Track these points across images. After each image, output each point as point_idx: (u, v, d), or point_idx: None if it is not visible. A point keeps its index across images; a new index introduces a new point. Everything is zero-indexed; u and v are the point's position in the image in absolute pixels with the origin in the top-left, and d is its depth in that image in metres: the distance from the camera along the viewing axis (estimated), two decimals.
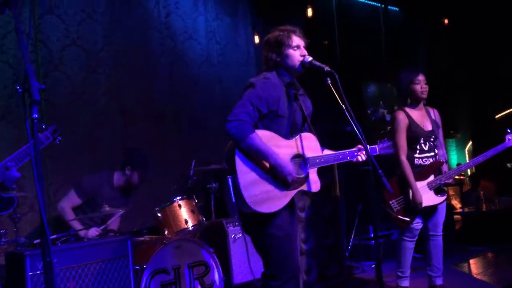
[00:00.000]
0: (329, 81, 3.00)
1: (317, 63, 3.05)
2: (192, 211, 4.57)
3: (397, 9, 9.20)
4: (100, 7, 5.51)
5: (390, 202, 4.18)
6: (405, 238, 4.24)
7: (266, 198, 2.85)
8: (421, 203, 4.08)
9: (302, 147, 3.06)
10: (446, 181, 4.17)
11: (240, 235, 4.73)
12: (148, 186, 5.08)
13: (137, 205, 5.02)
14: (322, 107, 5.80)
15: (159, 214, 4.52)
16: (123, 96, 5.62)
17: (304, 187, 3.02)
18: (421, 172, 4.17)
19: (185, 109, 6.15)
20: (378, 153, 3.30)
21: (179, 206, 4.53)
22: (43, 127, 3.74)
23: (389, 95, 8.19)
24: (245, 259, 4.71)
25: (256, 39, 6.97)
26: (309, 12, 7.10)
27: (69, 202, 4.44)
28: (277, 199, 2.88)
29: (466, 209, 7.73)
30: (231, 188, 2.82)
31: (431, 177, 4.17)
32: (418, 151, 4.22)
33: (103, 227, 4.40)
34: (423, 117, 4.29)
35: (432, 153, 4.25)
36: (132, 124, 5.63)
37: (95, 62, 5.42)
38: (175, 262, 4.12)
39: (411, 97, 4.29)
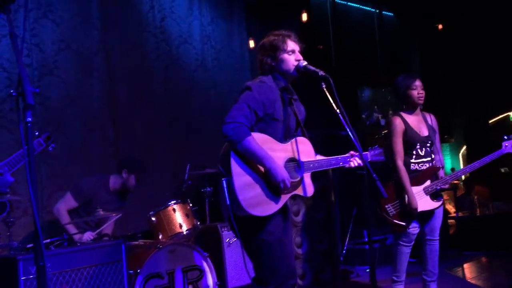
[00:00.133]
0: (324, 86, 3.01)
1: (312, 68, 3.06)
2: (187, 215, 4.56)
3: (392, 14, 9.24)
4: (95, 12, 5.50)
5: (386, 207, 4.19)
6: (402, 243, 4.24)
7: (260, 201, 2.84)
8: (416, 208, 4.08)
9: (298, 151, 3.07)
10: (442, 186, 4.18)
11: (235, 239, 4.73)
12: (142, 190, 5.07)
13: (132, 209, 5.01)
14: (317, 112, 5.83)
15: (153, 218, 4.51)
16: (117, 100, 5.61)
17: (298, 191, 3.02)
18: (417, 177, 4.18)
19: (180, 113, 6.15)
20: (369, 159, 3.30)
21: (174, 210, 4.52)
22: (36, 133, 3.73)
23: (384, 99, 8.21)
24: (239, 263, 4.73)
25: (251, 44, 6.99)
26: (304, 16, 7.12)
27: (65, 205, 4.43)
28: (270, 203, 2.88)
29: (460, 214, 7.75)
30: (226, 190, 2.81)
31: (428, 182, 4.17)
32: (414, 156, 4.23)
33: (97, 231, 4.38)
34: (419, 122, 4.30)
35: (429, 158, 4.25)
36: (126, 128, 5.62)
37: (89, 66, 5.41)
38: (169, 267, 4.11)
39: (407, 102, 4.29)
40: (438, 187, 4.15)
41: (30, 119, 2.06)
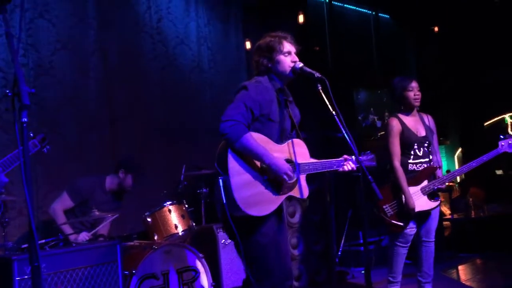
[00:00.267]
0: (320, 87, 3.02)
1: (308, 69, 3.07)
2: (182, 216, 4.56)
3: (388, 16, 9.27)
4: (91, 12, 5.49)
5: (384, 207, 4.21)
6: (398, 244, 4.26)
7: (257, 201, 2.83)
8: (413, 208, 4.10)
9: (294, 153, 3.07)
10: (440, 186, 4.20)
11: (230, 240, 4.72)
12: (138, 191, 5.06)
13: (127, 210, 5.01)
14: (313, 113, 5.84)
15: (149, 219, 4.50)
16: (113, 100, 5.60)
17: (293, 193, 3.02)
18: (414, 178, 4.20)
19: (176, 114, 6.14)
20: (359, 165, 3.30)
21: (169, 211, 4.52)
22: (31, 135, 3.72)
23: (380, 101, 8.23)
24: (234, 264, 4.72)
25: (248, 45, 7.00)
26: (301, 18, 7.13)
27: (61, 204, 4.43)
28: (267, 203, 2.87)
29: (455, 216, 7.78)
30: (222, 189, 2.79)
31: (425, 182, 4.19)
32: (412, 157, 4.25)
33: (93, 231, 4.38)
34: (416, 123, 4.32)
35: (427, 159, 4.28)
36: (122, 129, 5.62)
37: (86, 67, 5.41)
38: (164, 267, 4.11)
39: (404, 104, 4.33)
40: (435, 187, 4.17)
41: (25, 119, 2.06)
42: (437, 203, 4.22)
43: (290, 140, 3.09)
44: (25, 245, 3.70)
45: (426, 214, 4.24)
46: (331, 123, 2.98)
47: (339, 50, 8.02)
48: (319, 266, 5.29)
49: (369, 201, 4.24)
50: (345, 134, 2.91)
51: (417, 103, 4.29)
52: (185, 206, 4.64)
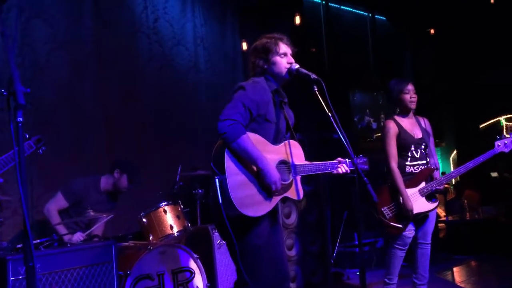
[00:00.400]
0: (316, 89, 3.02)
1: (304, 71, 3.07)
2: (178, 217, 4.55)
3: (384, 18, 9.29)
4: (88, 12, 5.48)
5: (382, 209, 4.22)
6: (397, 246, 4.27)
7: (253, 201, 2.83)
8: (411, 210, 4.12)
9: (291, 154, 3.08)
10: (437, 187, 4.22)
11: None
12: (133, 191, 5.05)
13: (122, 210, 5.00)
14: (309, 115, 5.85)
15: (144, 220, 4.50)
16: (109, 101, 5.60)
17: (288, 194, 3.03)
18: (412, 179, 4.22)
19: (172, 115, 6.14)
20: (353, 168, 3.30)
21: (165, 211, 4.51)
22: (26, 136, 3.71)
23: (376, 103, 8.25)
24: (230, 265, 4.72)
25: (244, 46, 7.00)
26: (297, 19, 7.14)
27: (55, 205, 4.42)
28: (262, 204, 2.88)
29: (450, 218, 7.80)
30: (218, 189, 2.78)
31: (422, 184, 4.22)
32: (409, 159, 4.27)
33: (87, 232, 4.37)
34: (413, 125, 4.35)
35: (424, 161, 4.30)
36: (118, 129, 5.61)
37: (82, 67, 5.40)
38: (159, 268, 4.10)
39: (400, 106, 4.36)
40: (433, 188, 4.20)
41: (21, 119, 2.06)
42: (435, 204, 4.24)
43: (286, 141, 3.10)
44: (20, 245, 3.68)
45: (424, 216, 4.26)
46: (327, 124, 2.99)
47: (335, 51, 8.03)
48: (314, 267, 5.30)
49: (364, 202, 4.25)
50: (341, 136, 2.92)
51: (413, 106, 4.32)
52: (180, 207, 4.63)
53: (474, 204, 8.12)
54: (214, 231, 4.73)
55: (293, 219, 5.15)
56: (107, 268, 3.77)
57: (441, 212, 7.95)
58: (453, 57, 9.59)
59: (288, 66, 3.09)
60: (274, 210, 3.03)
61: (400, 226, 4.18)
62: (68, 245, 3.87)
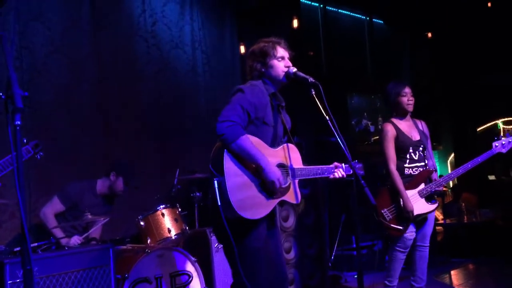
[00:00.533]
0: (313, 92, 3.03)
1: (302, 74, 3.08)
2: (176, 220, 4.55)
3: (382, 22, 9.31)
4: (86, 15, 5.48)
5: (383, 212, 4.24)
6: (398, 249, 4.29)
7: (252, 204, 2.83)
8: (412, 211, 4.14)
9: (289, 158, 3.09)
10: (437, 189, 4.25)
11: None
12: (131, 194, 5.05)
13: (120, 213, 5.00)
14: (307, 118, 5.86)
15: (142, 223, 4.49)
16: (107, 104, 5.59)
17: (286, 197, 3.03)
18: (411, 181, 4.25)
19: (170, 118, 6.14)
20: (349, 172, 3.31)
21: (162, 214, 4.51)
22: (24, 141, 3.70)
23: (373, 106, 8.26)
24: (227, 268, 4.71)
25: (242, 49, 7.01)
26: (295, 23, 7.15)
27: (51, 208, 4.41)
28: (261, 207, 2.88)
29: (447, 221, 7.81)
30: (217, 191, 2.78)
31: (422, 185, 4.24)
32: (408, 161, 4.30)
33: (85, 235, 4.36)
34: (410, 128, 4.39)
35: (422, 163, 4.33)
36: (116, 132, 5.61)
37: (80, 70, 5.39)
38: (157, 271, 4.09)
39: (398, 109, 4.39)
40: (432, 190, 4.23)
41: (19, 122, 2.06)
42: (435, 205, 4.27)
43: (285, 145, 3.11)
44: (18, 248, 3.68)
45: (423, 219, 4.28)
46: (325, 128, 3.00)
47: (333, 55, 8.04)
48: (312, 270, 5.29)
49: (362, 206, 4.26)
50: (338, 139, 2.93)
51: (411, 108, 4.36)
52: (178, 210, 4.63)
53: (471, 207, 8.13)
54: (212, 234, 4.73)
55: (291, 222, 5.16)
56: (105, 271, 3.76)
57: (439, 215, 7.97)
58: (451, 60, 9.62)
59: (286, 69, 3.10)
60: (272, 213, 3.03)
61: (401, 228, 4.20)
62: (66, 248, 3.87)
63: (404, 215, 4.17)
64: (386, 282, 4.39)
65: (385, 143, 4.30)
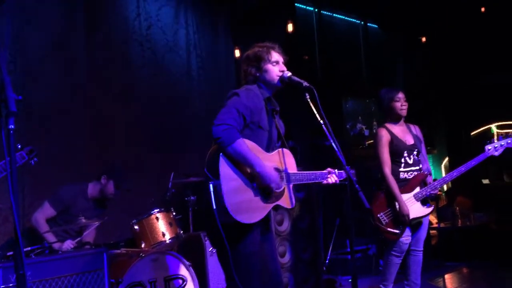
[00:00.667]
0: (308, 97, 3.04)
1: (296, 79, 3.09)
2: (170, 224, 4.54)
3: (376, 26, 9.34)
4: (80, 18, 5.48)
5: (379, 215, 4.26)
6: (393, 253, 4.31)
7: (247, 207, 2.82)
8: (408, 215, 4.17)
9: (284, 162, 3.09)
10: (432, 192, 4.28)
11: None
12: (125, 198, 5.04)
13: (114, 217, 4.97)
14: (302, 122, 5.86)
15: (136, 227, 4.48)
16: (102, 107, 5.58)
17: (280, 202, 3.03)
18: (406, 185, 4.28)
19: (165, 122, 6.13)
20: (343, 177, 3.32)
21: (157, 218, 4.50)
22: (19, 146, 3.69)
23: (368, 110, 8.29)
24: (222, 272, 4.70)
25: (237, 53, 7.01)
26: (290, 27, 7.17)
27: (42, 214, 4.39)
28: (256, 211, 2.87)
29: (442, 225, 7.82)
30: (212, 194, 2.77)
31: (417, 189, 4.28)
32: (403, 165, 4.33)
33: (78, 239, 4.35)
34: (404, 132, 4.43)
35: (417, 167, 4.37)
36: (110, 136, 5.59)
37: (74, 74, 5.38)
38: (151, 275, 4.08)
39: (391, 114, 4.44)
40: (427, 194, 4.26)
41: (12, 126, 2.05)
42: (430, 209, 4.31)
43: (280, 149, 3.12)
44: (11, 253, 3.66)
45: (418, 223, 4.30)
46: (320, 132, 3.00)
47: (327, 59, 8.06)
48: (307, 274, 5.29)
49: (356, 210, 4.27)
50: (333, 143, 2.93)
51: (404, 113, 4.41)
52: (172, 214, 4.62)
53: (465, 211, 8.15)
54: (206, 238, 4.73)
55: (285, 226, 5.15)
56: (99, 275, 3.75)
57: (433, 219, 7.98)
58: (445, 64, 9.66)
59: (280, 74, 3.11)
60: (267, 218, 3.03)
61: (397, 231, 4.21)
62: (60, 252, 3.85)
63: (400, 219, 4.19)
64: (381, 286, 4.41)
65: (379, 148, 4.34)
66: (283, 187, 3.05)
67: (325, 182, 3.25)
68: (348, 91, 8.15)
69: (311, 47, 8.02)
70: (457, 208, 7.98)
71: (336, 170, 3.27)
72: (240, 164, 2.84)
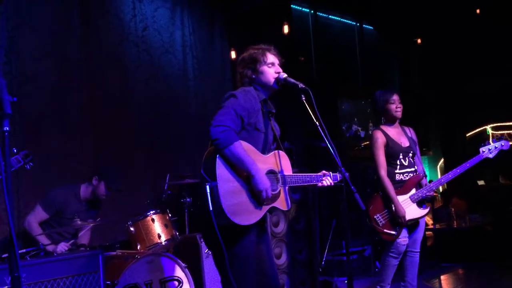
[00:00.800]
0: (304, 98, 3.04)
1: (292, 80, 3.09)
2: (166, 226, 4.54)
3: (372, 28, 9.37)
4: (76, 19, 5.46)
5: (375, 217, 4.28)
6: (391, 255, 4.32)
7: (243, 210, 2.82)
8: (404, 216, 4.18)
9: (280, 164, 3.09)
10: (428, 194, 4.30)
11: None
12: (121, 199, 5.03)
13: (110, 219, 4.97)
14: (298, 123, 5.86)
15: (132, 228, 4.47)
16: (97, 109, 5.57)
17: (277, 204, 3.03)
18: (402, 187, 4.30)
19: (160, 123, 6.12)
20: (338, 180, 3.32)
21: (153, 220, 4.50)
22: (14, 151, 3.68)
23: (363, 112, 8.30)
24: (218, 274, 4.70)
25: (233, 55, 7.02)
26: (286, 29, 7.18)
27: (34, 217, 4.38)
28: (252, 213, 2.87)
29: (437, 226, 7.84)
30: (209, 196, 2.76)
31: (413, 191, 4.30)
32: (398, 167, 4.35)
33: (72, 241, 4.33)
34: (399, 134, 4.45)
35: (413, 169, 4.39)
36: (106, 138, 5.58)
37: (69, 75, 5.36)
38: (147, 277, 4.07)
39: (386, 116, 4.46)
40: (423, 195, 4.28)
41: (7, 128, 2.04)
42: (426, 210, 4.33)
43: (276, 152, 3.12)
44: (5, 255, 3.65)
45: (414, 224, 4.31)
46: (315, 133, 3.01)
47: (323, 60, 8.08)
48: (303, 275, 5.29)
49: (352, 211, 4.29)
50: (329, 145, 2.93)
51: (399, 115, 4.43)
52: (168, 215, 4.62)
53: (461, 212, 8.18)
54: (202, 240, 4.72)
55: (281, 227, 5.15)
56: (94, 277, 3.74)
57: (429, 220, 8.00)
58: (440, 66, 9.68)
59: (276, 75, 3.11)
60: (263, 219, 3.03)
61: (394, 232, 4.23)
62: (55, 254, 3.84)
63: (397, 220, 4.20)
64: (378, 287, 4.42)
65: (375, 150, 4.35)
66: (279, 189, 3.05)
67: (320, 184, 3.26)
68: (344, 93, 8.17)
69: (306, 49, 8.03)
70: (453, 209, 8.01)
71: (330, 172, 3.28)
72: (236, 166, 2.84)
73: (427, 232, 7.42)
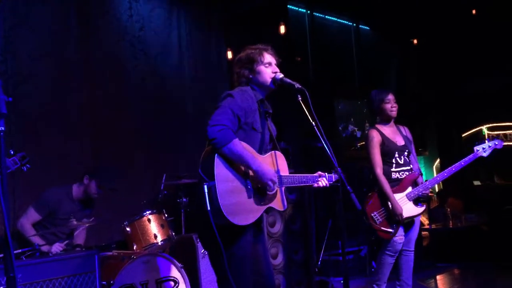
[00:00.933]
0: (300, 98, 3.04)
1: (288, 80, 3.10)
2: (162, 226, 4.53)
3: (368, 28, 9.38)
4: (73, 20, 5.45)
5: (372, 215, 4.31)
6: (387, 253, 4.34)
7: (241, 209, 2.82)
8: (401, 214, 4.21)
9: (277, 165, 3.09)
10: (424, 192, 4.33)
11: None
12: (121, 200, 5.02)
13: (106, 219, 4.96)
14: (294, 124, 5.86)
15: (128, 229, 4.47)
16: (94, 109, 5.56)
17: (273, 204, 3.03)
18: (399, 185, 4.32)
19: (157, 123, 6.12)
20: (334, 181, 3.32)
21: (149, 220, 4.49)
22: (11, 152, 3.67)
23: (360, 112, 8.31)
24: (214, 274, 4.70)
25: (229, 55, 7.01)
26: (282, 29, 7.18)
27: (27, 219, 4.37)
28: (249, 213, 2.87)
29: (433, 226, 7.86)
30: (207, 196, 2.75)
31: (409, 189, 4.33)
32: (394, 165, 4.38)
33: (66, 242, 4.32)
34: (394, 133, 4.48)
35: (408, 167, 4.41)
36: (103, 137, 5.57)
37: (66, 75, 5.35)
38: (143, 278, 4.07)
39: (381, 115, 4.49)
40: (420, 193, 4.31)
41: (3, 128, 2.04)
42: (422, 208, 4.37)
43: (272, 152, 3.12)
44: (0, 255, 3.63)
45: (409, 223, 4.33)
46: (312, 133, 3.01)
47: (320, 60, 8.08)
48: (299, 276, 5.30)
49: (348, 211, 4.29)
50: (325, 145, 2.94)
51: (394, 114, 4.47)
52: (164, 216, 4.62)
53: (457, 212, 8.20)
54: (198, 240, 4.71)
55: (277, 228, 5.16)
56: (90, 278, 3.73)
57: (425, 220, 8.02)
58: (436, 66, 9.70)
59: (273, 75, 3.11)
60: (259, 220, 3.03)
61: (391, 230, 4.26)
62: (50, 254, 3.83)
63: (393, 218, 4.22)
64: (374, 286, 4.44)
65: (370, 149, 4.38)
66: (275, 190, 3.05)
67: (315, 185, 3.26)
68: (340, 93, 8.18)
69: (303, 49, 8.03)
70: (449, 209, 8.02)
71: (326, 173, 3.28)
72: (236, 164, 2.83)
73: (423, 232, 7.44)
